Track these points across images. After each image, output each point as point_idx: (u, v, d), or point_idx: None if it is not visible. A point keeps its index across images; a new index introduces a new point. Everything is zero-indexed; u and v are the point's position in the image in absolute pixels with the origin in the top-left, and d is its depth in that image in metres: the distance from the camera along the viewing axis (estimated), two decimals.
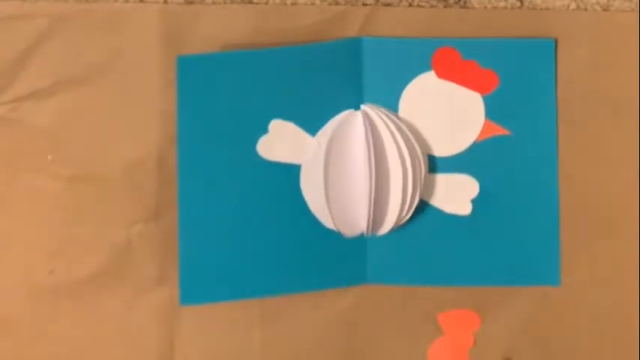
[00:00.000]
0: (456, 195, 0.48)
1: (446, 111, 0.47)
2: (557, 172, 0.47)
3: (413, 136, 0.47)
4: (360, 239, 0.47)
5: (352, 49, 0.47)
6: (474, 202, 0.47)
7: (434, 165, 0.48)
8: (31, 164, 0.48)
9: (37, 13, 0.48)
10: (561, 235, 0.47)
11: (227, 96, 0.47)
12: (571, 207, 0.48)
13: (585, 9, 0.48)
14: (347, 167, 0.46)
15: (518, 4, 0.48)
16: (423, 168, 0.47)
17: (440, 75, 0.47)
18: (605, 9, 0.48)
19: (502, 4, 0.48)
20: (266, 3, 0.48)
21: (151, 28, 0.48)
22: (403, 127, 0.47)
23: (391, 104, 0.47)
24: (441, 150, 0.48)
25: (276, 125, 0.47)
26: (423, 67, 0.47)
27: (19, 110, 0.48)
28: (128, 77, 0.48)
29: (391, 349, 0.48)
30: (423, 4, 0.48)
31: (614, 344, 0.48)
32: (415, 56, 0.47)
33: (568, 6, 0.48)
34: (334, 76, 0.47)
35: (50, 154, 0.48)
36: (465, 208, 0.47)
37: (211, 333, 0.48)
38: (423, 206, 0.48)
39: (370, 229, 0.46)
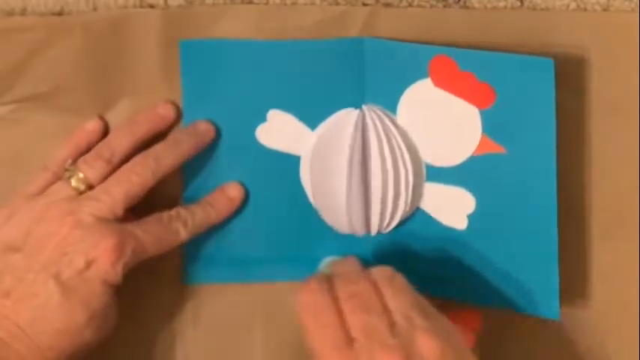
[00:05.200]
0: (452, 208, 0.46)
1: (442, 120, 0.46)
2: (556, 195, 0.44)
3: (406, 144, 0.46)
4: (362, 239, 0.47)
5: (355, 48, 0.47)
6: (470, 217, 0.46)
7: (432, 174, 0.46)
8: (31, 164, 0.47)
9: (37, 25, 0.48)
10: (561, 236, 0.45)
11: (230, 81, 0.47)
12: (571, 207, 0.47)
13: (585, 9, 0.48)
14: (331, 169, 0.46)
15: (518, 4, 0.48)
16: (411, 177, 0.46)
17: (437, 83, 0.45)
18: (605, 9, 0.48)
19: (502, 4, 0.48)
20: (266, 3, 0.48)
21: (151, 29, 0.48)
22: (397, 134, 0.46)
23: (391, 105, 0.47)
24: (437, 159, 0.46)
25: (274, 115, 0.47)
26: (421, 74, 0.45)
27: (20, 111, 0.48)
28: (128, 78, 0.48)
29: None
30: (423, 4, 0.48)
31: (614, 344, 0.48)
32: (413, 62, 0.45)
33: (568, 6, 0.48)
34: (336, 73, 0.47)
35: (50, 154, 0.47)
36: (460, 223, 0.46)
37: (211, 333, 0.48)
38: (422, 215, 0.47)
39: (355, 230, 0.47)
